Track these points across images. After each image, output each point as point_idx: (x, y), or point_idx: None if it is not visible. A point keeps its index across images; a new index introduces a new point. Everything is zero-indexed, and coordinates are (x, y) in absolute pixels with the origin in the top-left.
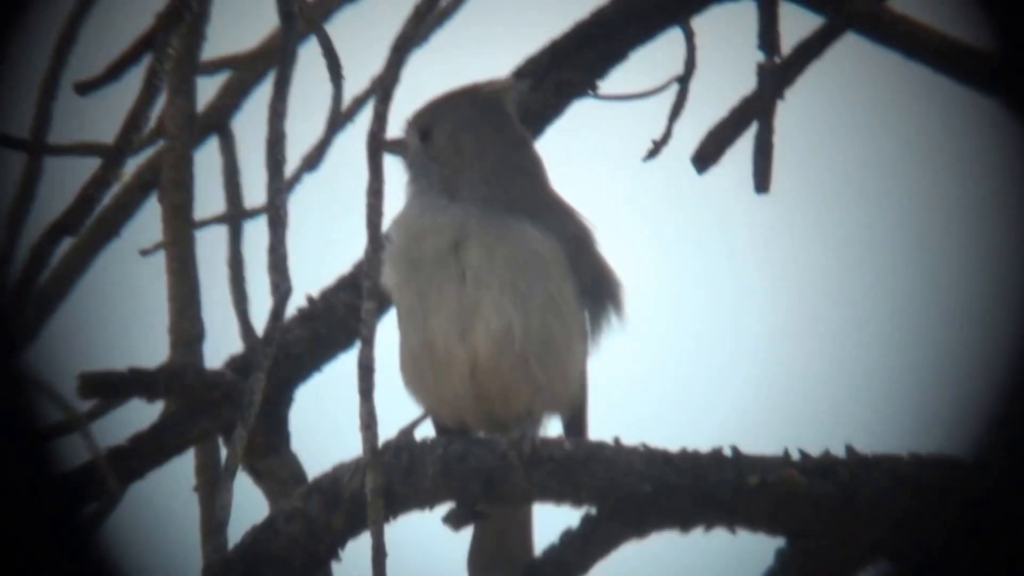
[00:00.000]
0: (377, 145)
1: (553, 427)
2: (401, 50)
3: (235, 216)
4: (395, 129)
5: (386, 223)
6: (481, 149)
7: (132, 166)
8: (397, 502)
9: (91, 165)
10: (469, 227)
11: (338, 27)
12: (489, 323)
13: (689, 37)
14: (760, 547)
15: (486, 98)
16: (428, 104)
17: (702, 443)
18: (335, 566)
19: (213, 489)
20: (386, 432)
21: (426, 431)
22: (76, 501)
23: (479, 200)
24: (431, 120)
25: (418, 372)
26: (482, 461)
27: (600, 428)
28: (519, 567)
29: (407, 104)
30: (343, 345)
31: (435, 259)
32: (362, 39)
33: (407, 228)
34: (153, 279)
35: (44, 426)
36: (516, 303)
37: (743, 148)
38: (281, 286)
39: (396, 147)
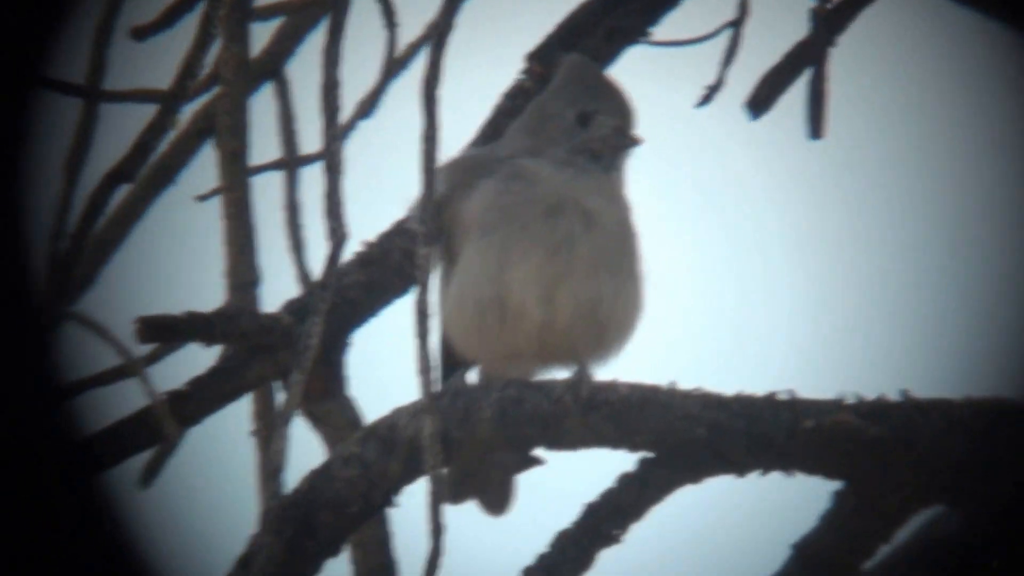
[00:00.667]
0: (431, 91)
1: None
2: None
3: (291, 162)
4: (450, 76)
5: (439, 168)
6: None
7: (188, 113)
8: (453, 447)
9: (147, 112)
10: (570, 194)
11: None
12: (577, 293)
13: None
14: (817, 491)
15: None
16: (597, 87)
17: (757, 389)
18: (391, 512)
19: (270, 434)
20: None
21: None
22: (136, 446)
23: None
24: (596, 107)
25: (478, 322)
26: (538, 406)
27: (656, 375)
28: (498, 492)
29: (461, 50)
30: (399, 290)
31: (531, 217)
32: None
33: (508, 179)
34: (209, 225)
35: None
36: (606, 276)
37: (796, 94)
38: (337, 231)
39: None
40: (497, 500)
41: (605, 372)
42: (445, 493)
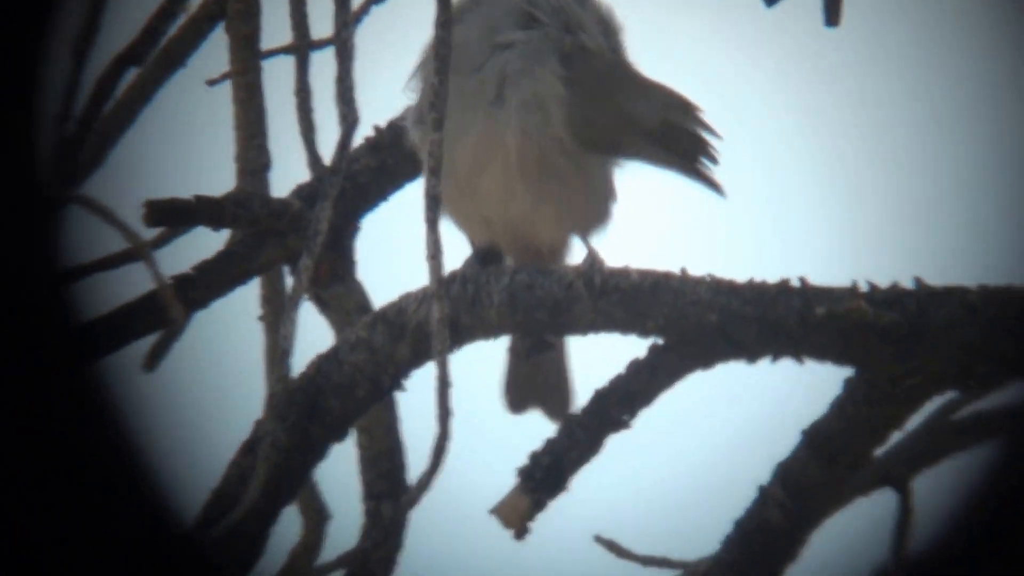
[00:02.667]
0: None
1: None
2: None
3: (302, 46)
4: None
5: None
6: None
7: None
8: (462, 332)
9: None
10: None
11: None
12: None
13: None
14: (828, 377)
15: None
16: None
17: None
18: (399, 396)
19: (278, 318)
20: (451, 263)
21: None
22: (140, 330)
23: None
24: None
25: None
26: (548, 291)
27: (668, 262)
28: (557, 396)
29: None
30: (410, 175)
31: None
32: None
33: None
34: (220, 109)
35: (109, 255)
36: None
37: None
38: (348, 116)
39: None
40: (558, 403)
41: (613, 258)
42: (504, 403)
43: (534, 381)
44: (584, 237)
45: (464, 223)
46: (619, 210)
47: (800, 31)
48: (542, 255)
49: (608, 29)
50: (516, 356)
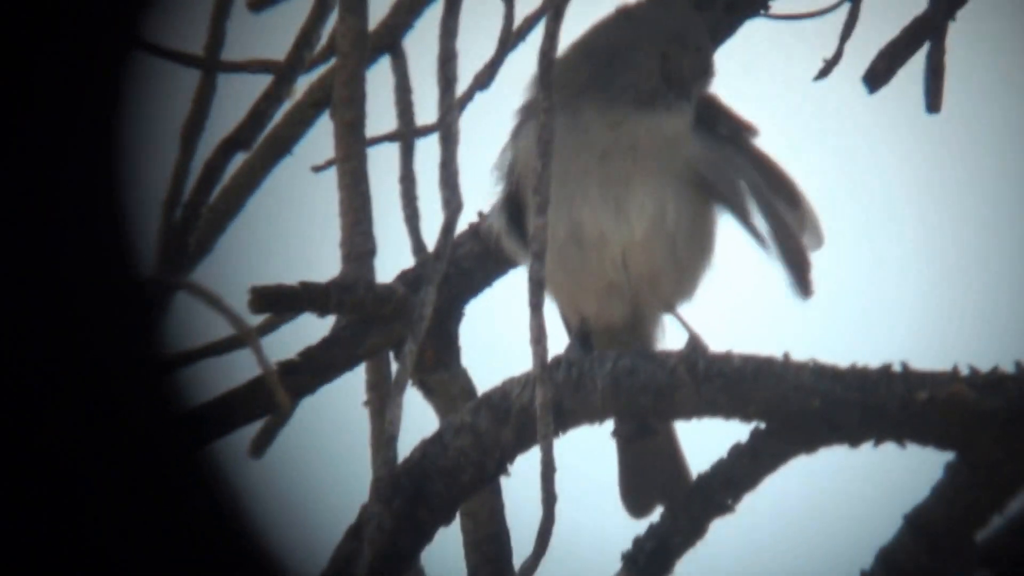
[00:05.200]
0: (548, 63)
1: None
2: None
3: (407, 133)
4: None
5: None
6: None
7: (304, 83)
8: (566, 416)
9: (263, 82)
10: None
11: None
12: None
13: None
14: (930, 461)
15: None
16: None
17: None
18: (503, 481)
19: (383, 404)
20: (555, 347)
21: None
22: (247, 416)
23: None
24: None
25: (562, 261)
26: (652, 376)
27: (767, 345)
28: (676, 490)
29: (577, 22)
30: (513, 260)
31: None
32: None
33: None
34: (325, 196)
35: (215, 341)
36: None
37: (914, 68)
38: (452, 202)
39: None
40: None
41: (712, 340)
42: (627, 510)
43: (650, 477)
44: (677, 312)
45: (572, 296)
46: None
47: (901, 112)
48: (635, 332)
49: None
50: (620, 441)
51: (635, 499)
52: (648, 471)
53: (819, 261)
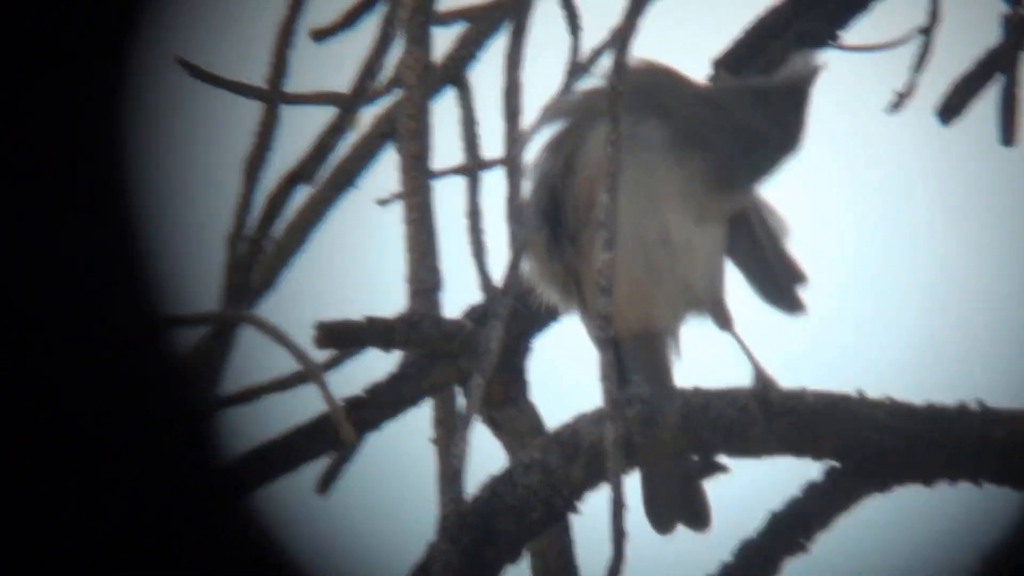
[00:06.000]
0: (616, 95)
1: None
2: (640, 1)
3: (473, 167)
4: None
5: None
6: None
7: (369, 116)
8: (636, 453)
9: (327, 114)
10: None
11: None
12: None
13: None
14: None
15: None
16: None
17: (944, 397)
18: (573, 518)
19: (450, 440)
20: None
21: None
22: (312, 452)
23: None
24: None
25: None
26: (723, 412)
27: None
28: (696, 508)
29: (645, 55)
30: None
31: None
32: None
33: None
34: (391, 229)
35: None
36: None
37: (988, 101)
38: (519, 236)
39: None
40: (700, 516)
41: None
42: (652, 526)
43: (666, 495)
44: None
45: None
46: None
47: (976, 149)
48: (667, 344)
49: None
50: (687, 477)
51: (656, 516)
52: (663, 489)
53: (887, 296)
